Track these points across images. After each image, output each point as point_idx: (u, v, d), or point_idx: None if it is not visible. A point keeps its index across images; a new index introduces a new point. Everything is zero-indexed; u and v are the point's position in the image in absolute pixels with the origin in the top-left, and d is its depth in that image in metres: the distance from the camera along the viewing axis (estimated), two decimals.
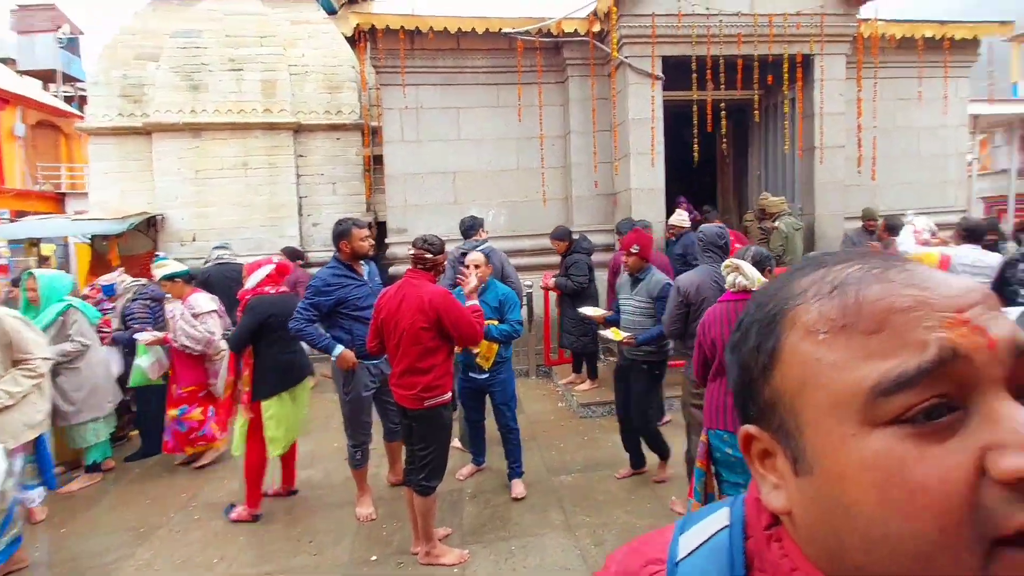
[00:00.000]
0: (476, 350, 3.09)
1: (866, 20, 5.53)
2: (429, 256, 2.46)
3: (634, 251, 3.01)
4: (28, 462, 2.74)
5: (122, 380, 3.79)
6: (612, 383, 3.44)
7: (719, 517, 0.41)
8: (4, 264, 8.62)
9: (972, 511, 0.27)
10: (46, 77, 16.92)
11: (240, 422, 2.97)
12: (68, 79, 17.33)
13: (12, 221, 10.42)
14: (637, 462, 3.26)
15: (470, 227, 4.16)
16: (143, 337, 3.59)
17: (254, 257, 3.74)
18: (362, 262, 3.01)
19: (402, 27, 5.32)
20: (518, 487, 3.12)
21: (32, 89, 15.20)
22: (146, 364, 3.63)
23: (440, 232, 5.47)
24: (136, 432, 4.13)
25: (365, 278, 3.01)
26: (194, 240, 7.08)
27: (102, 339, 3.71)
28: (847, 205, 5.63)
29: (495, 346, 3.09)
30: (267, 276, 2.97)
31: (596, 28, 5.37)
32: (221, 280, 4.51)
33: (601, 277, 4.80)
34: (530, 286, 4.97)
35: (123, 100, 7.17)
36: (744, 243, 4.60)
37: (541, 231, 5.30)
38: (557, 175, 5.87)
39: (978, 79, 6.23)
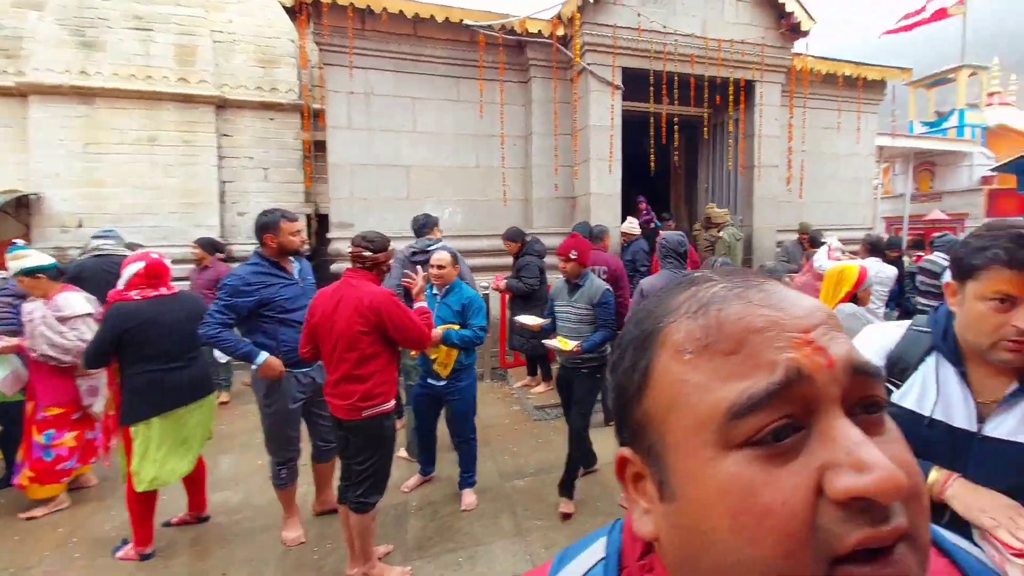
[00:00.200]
0: (434, 356, 2.88)
1: (799, 55, 6.08)
2: (368, 254, 2.25)
3: (572, 257, 2.87)
4: None
5: None
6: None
7: (596, 549, 0.42)
8: None
9: (812, 532, 0.27)
10: None
11: (122, 447, 2.50)
12: None
13: None
14: (588, 462, 3.23)
15: (423, 225, 3.93)
16: None
17: (164, 249, 3.13)
18: (292, 259, 2.65)
19: (351, 3, 4.87)
20: (469, 497, 2.99)
21: None
22: None
23: (392, 229, 5.19)
24: None
25: (296, 276, 2.64)
26: (80, 226, 5.95)
27: None
28: (779, 219, 6.15)
29: (455, 352, 2.89)
30: (134, 277, 2.46)
31: (560, 32, 5.33)
32: (97, 275, 3.64)
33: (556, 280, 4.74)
34: (486, 287, 4.78)
35: None
36: (692, 250, 4.83)
37: (500, 231, 5.11)
38: (518, 176, 5.74)
39: (884, 116, 7.15)
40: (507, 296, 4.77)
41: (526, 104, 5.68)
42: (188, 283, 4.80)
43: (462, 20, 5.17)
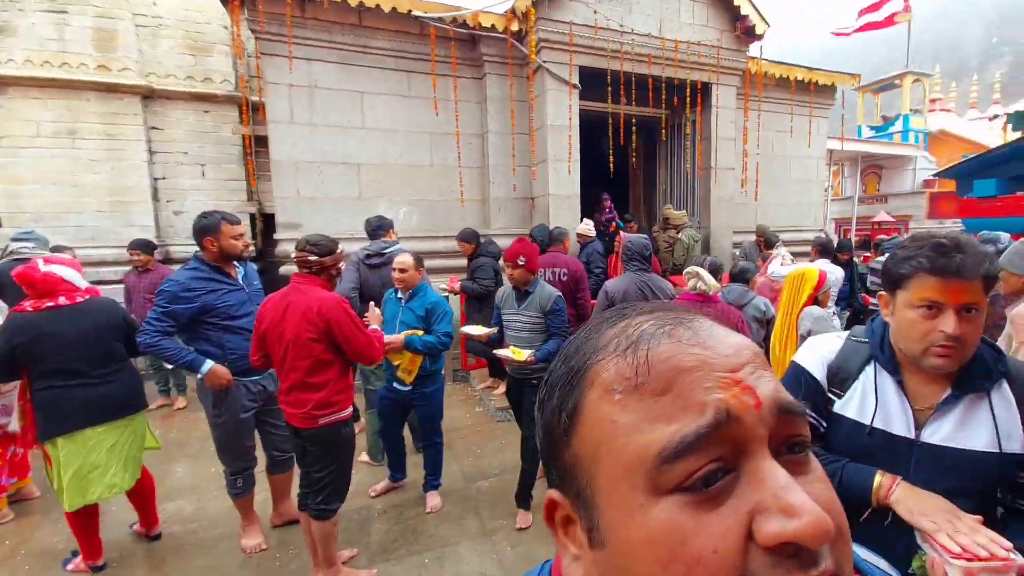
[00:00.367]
0: (397, 362, 2.76)
1: (753, 58, 6.12)
2: (314, 259, 2.16)
3: (520, 263, 2.68)
4: None
5: None
6: None
7: None
8: None
9: None
10: None
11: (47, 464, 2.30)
12: None
13: None
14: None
15: (378, 227, 3.75)
16: None
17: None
18: (235, 263, 2.50)
19: None
20: (434, 499, 2.95)
21: None
22: None
23: (344, 230, 4.92)
24: None
25: (240, 282, 2.49)
26: None
27: None
28: (736, 220, 6.19)
29: (419, 359, 2.76)
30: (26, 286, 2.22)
31: (515, 27, 5.15)
32: (14, 281, 3.31)
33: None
34: (443, 289, 4.59)
35: None
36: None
37: (457, 232, 4.92)
38: (475, 175, 5.54)
39: (834, 120, 7.32)
40: (462, 298, 4.66)
41: (481, 101, 5.48)
42: (122, 287, 4.53)
43: (410, 11, 4.91)
